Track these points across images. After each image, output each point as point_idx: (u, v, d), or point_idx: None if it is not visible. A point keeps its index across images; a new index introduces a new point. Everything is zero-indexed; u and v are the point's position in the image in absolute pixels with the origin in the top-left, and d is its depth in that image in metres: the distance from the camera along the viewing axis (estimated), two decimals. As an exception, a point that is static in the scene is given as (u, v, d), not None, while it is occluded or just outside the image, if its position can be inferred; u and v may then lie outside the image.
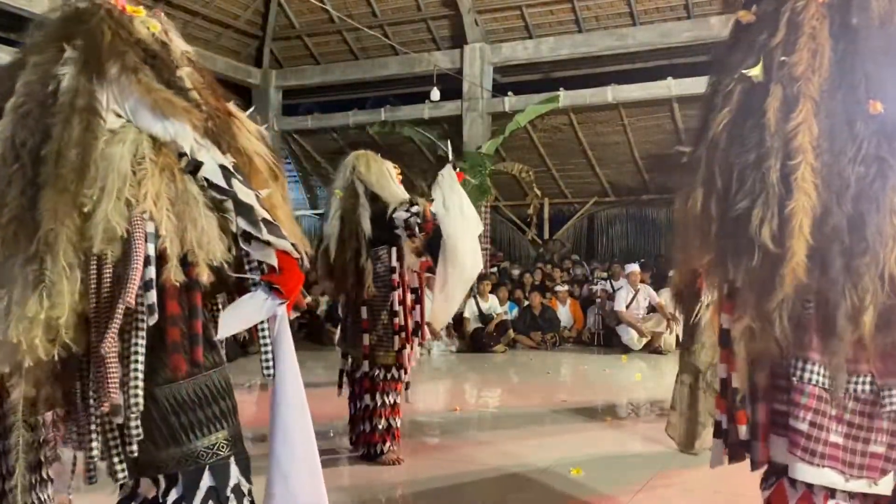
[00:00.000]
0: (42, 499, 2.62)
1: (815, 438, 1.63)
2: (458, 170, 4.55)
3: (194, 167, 1.76)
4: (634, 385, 7.63)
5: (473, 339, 10.10)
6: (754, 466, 1.77)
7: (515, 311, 10.86)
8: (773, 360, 1.69)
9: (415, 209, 4.04)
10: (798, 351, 1.66)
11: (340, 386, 4.40)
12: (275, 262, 1.82)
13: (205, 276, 1.71)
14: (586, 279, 12.10)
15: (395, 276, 4.16)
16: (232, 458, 1.80)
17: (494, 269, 12.59)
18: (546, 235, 14.38)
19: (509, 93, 12.43)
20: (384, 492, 3.67)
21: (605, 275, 11.71)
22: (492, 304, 10.52)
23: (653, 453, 4.54)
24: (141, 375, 1.65)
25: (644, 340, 9.89)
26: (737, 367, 1.72)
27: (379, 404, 4.16)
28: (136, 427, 1.66)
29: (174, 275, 1.69)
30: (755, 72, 1.71)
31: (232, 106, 1.94)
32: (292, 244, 1.83)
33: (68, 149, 1.64)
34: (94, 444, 1.68)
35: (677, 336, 9.57)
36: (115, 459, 1.70)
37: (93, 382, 1.66)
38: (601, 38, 11.80)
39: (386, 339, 4.18)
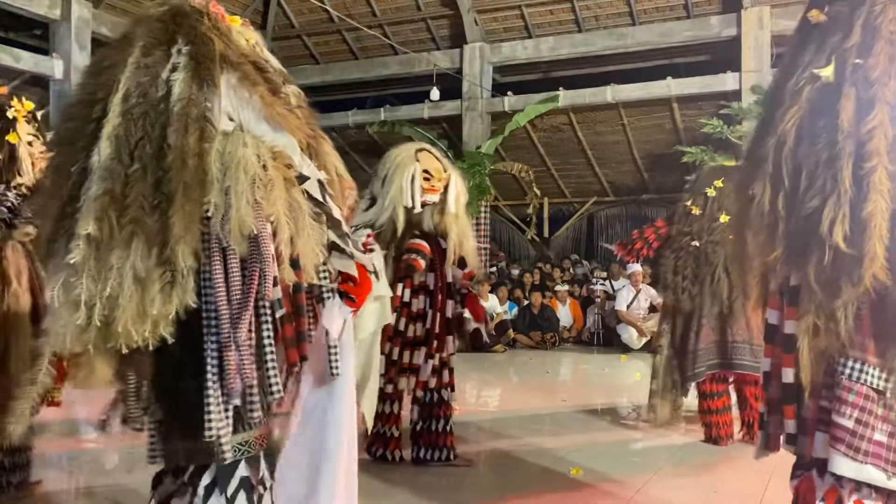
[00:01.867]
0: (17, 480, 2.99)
1: (860, 436, 1.67)
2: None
3: (302, 180, 1.89)
4: (634, 385, 7.63)
5: (473, 338, 10.10)
6: (801, 460, 1.81)
7: (515, 311, 10.86)
8: (829, 358, 1.72)
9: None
10: (850, 350, 1.69)
11: None
12: (355, 273, 2.02)
13: (312, 279, 1.88)
14: (586, 279, 12.10)
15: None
16: (262, 452, 1.92)
17: (494, 269, 12.59)
18: (546, 235, 14.39)
19: (509, 92, 12.44)
20: (382, 491, 3.66)
21: (604, 275, 11.71)
22: (491, 303, 10.52)
23: (652, 453, 4.54)
24: (275, 363, 1.80)
25: (644, 340, 9.89)
26: (802, 363, 1.73)
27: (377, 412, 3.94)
28: (258, 410, 1.80)
29: (287, 276, 1.83)
30: (827, 72, 1.71)
31: (318, 126, 2.09)
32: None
33: (189, 158, 1.73)
34: (222, 418, 1.76)
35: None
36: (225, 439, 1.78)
37: (229, 366, 1.74)
38: (601, 38, 11.80)
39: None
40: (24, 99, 3.24)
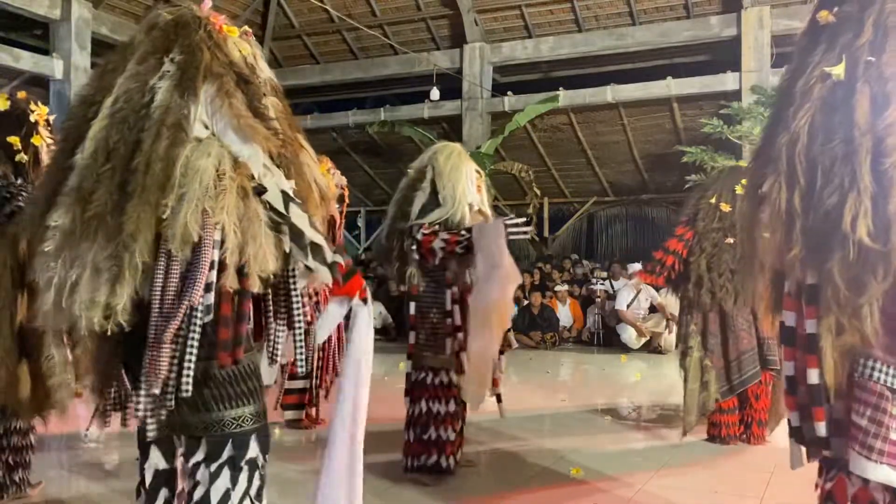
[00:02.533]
0: (19, 479, 3.16)
1: (874, 434, 1.66)
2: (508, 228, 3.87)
3: (260, 191, 1.97)
4: (634, 385, 7.64)
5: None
6: (835, 464, 1.78)
7: (515, 311, 10.85)
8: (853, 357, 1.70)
9: (442, 237, 3.68)
10: (866, 348, 1.69)
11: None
12: (311, 287, 2.12)
13: (256, 287, 1.95)
14: (586, 279, 12.10)
15: (449, 274, 3.79)
16: (253, 434, 2.03)
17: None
18: (546, 235, 14.39)
19: (509, 92, 12.43)
20: (384, 489, 3.66)
21: (604, 275, 11.71)
22: (491, 303, 10.49)
23: (652, 453, 4.54)
24: (193, 362, 1.88)
25: (643, 340, 9.89)
26: (825, 363, 1.72)
27: (419, 412, 3.76)
28: (171, 400, 1.89)
29: (230, 282, 1.91)
30: (838, 70, 1.72)
31: (301, 136, 2.17)
32: (332, 262, 2.07)
33: (155, 162, 1.86)
34: (141, 405, 1.91)
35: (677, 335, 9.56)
36: (151, 420, 1.94)
37: (148, 360, 1.86)
38: (601, 38, 11.80)
39: (434, 341, 3.77)
40: (39, 103, 3.33)
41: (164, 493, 2.11)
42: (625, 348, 9.87)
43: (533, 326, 10.48)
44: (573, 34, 12.03)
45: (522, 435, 4.97)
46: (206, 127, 1.95)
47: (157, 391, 1.87)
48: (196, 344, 1.88)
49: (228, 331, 1.95)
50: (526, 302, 10.88)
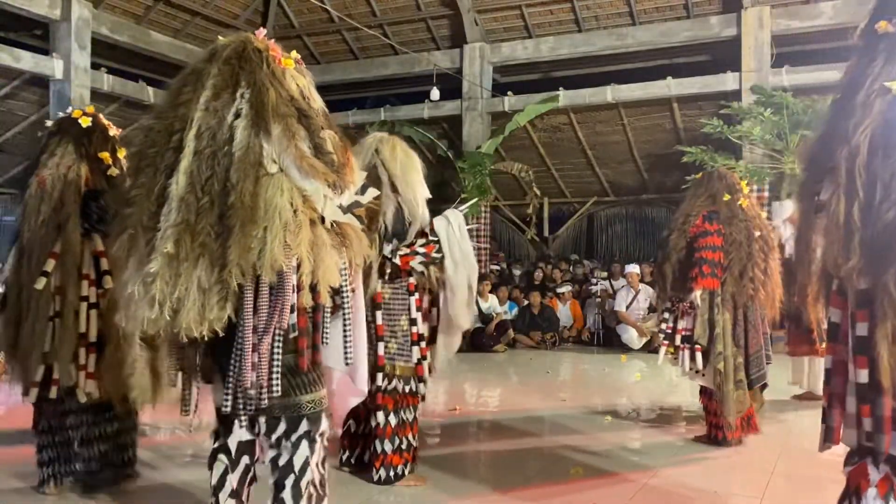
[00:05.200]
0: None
1: None
2: (462, 209, 4.02)
3: (322, 220, 2.36)
4: (634, 385, 7.64)
5: (473, 338, 10.10)
6: (878, 457, 1.87)
7: (515, 311, 10.86)
8: None
9: (420, 253, 3.70)
10: None
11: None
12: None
13: (328, 301, 2.37)
14: (586, 279, 12.11)
15: (412, 280, 3.74)
16: (321, 412, 2.47)
17: (497, 268, 12.58)
18: (546, 235, 14.39)
19: (509, 92, 12.43)
20: (378, 490, 3.66)
21: (604, 274, 11.72)
22: (492, 303, 10.51)
23: (653, 453, 4.54)
24: (279, 367, 2.31)
25: (644, 340, 9.89)
26: (882, 367, 1.79)
27: (398, 422, 3.73)
28: (265, 398, 2.32)
29: (306, 300, 2.32)
30: None
31: (353, 158, 2.50)
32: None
33: (246, 199, 2.21)
34: (228, 398, 2.34)
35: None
36: (240, 409, 2.37)
37: (245, 366, 2.25)
38: (601, 38, 11.80)
39: (406, 349, 3.74)
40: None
41: (245, 459, 2.51)
42: (625, 348, 9.87)
43: (533, 326, 10.48)
44: (573, 34, 12.03)
45: (522, 435, 4.97)
46: (275, 162, 2.27)
47: (253, 391, 2.28)
48: (280, 354, 2.31)
49: (306, 340, 2.36)
50: (526, 302, 10.89)
